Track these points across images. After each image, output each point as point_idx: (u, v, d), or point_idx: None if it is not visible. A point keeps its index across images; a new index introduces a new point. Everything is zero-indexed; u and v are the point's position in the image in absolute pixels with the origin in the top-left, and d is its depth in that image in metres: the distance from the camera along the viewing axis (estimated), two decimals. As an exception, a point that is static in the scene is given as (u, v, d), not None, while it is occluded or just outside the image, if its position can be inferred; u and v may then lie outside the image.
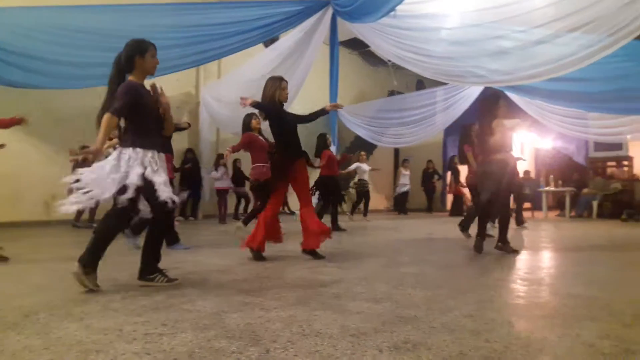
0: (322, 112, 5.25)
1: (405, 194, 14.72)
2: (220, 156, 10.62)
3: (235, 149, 6.62)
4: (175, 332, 2.30)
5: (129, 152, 3.31)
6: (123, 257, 4.64)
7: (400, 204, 15.02)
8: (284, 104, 5.05)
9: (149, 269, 3.47)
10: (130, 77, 3.47)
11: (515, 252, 5.41)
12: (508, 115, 5.64)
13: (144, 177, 3.27)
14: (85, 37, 6.96)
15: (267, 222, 4.89)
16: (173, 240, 5.72)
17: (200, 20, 7.58)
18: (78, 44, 7.02)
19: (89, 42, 7.00)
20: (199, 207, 11.60)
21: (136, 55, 3.45)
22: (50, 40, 6.98)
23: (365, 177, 11.45)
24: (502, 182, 5.38)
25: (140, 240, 4.37)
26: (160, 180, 3.35)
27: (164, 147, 3.72)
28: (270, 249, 5.47)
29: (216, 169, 10.61)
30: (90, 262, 3.29)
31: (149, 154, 3.36)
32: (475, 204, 7.38)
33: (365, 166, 11.42)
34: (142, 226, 5.12)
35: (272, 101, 4.94)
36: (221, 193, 10.69)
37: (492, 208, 5.70)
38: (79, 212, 8.45)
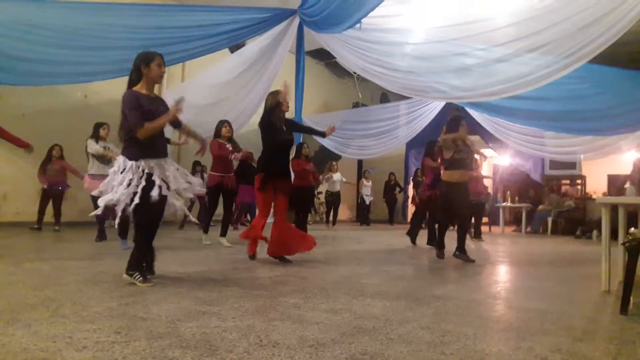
0: (319, 134, 6.04)
1: (367, 205, 14.86)
2: (196, 163, 10.42)
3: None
4: (128, 341, 2.23)
5: (132, 164, 3.57)
6: (74, 261, 4.50)
7: (362, 215, 15.14)
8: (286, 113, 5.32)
9: (133, 265, 3.68)
10: (136, 87, 3.69)
11: (472, 261, 5.75)
12: (467, 134, 6.00)
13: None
14: (44, 34, 6.74)
15: (257, 232, 5.24)
16: (124, 234, 5.82)
17: (164, 22, 7.46)
18: (38, 41, 6.79)
19: (48, 38, 6.80)
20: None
21: (142, 65, 3.68)
22: (9, 36, 6.72)
23: (336, 187, 11.55)
24: (455, 197, 5.82)
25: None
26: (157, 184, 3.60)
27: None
28: (231, 256, 5.41)
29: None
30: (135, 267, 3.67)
31: (151, 163, 3.61)
32: (432, 215, 7.66)
33: (336, 176, 11.51)
34: (126, 228, 5.69)
35: (271, 114, 5.16)
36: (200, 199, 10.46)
37: (450, 219, 6.08)
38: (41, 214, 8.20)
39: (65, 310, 2.77)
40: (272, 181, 5.16)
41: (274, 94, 5.25)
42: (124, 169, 3.58)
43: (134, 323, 2.54)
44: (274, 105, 5.16)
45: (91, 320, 2.56)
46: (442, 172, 6.11)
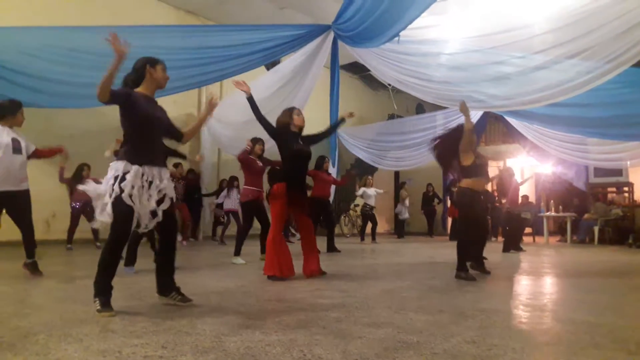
0: (337, 124, 5.81)
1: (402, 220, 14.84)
2: (234, 178, 10.46)
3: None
4: (175, 355, 2.28)
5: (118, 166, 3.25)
6: (119, 277, 4.61)
7: (400, 228, 15.02)
8: (303, 128, 5.29)
9: (167, 285, 3.50)
10: (138, 89, 3.44)
11: (473, 279, 5.20)
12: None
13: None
14: (88, 58, 7.00)
15: (274, 246, 5.00)
16: (131, 261, 5.52)
17: (203, 42, 7.66)
18: (81, 64, 7.07)
19: (92, 62, 7.04)
20: (200, 229, 11.57)
21: (147, 65, 3.45)
22: (54, 60, 7.04)
23: (371, 201, 11.58)
24: (471, 207, 5.44)
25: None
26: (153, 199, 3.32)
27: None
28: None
29: (227, 192, 10.43)
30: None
31: (141, 170, 3.26)
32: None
33: (370, 191, 11.56)
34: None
35: (281, 126, 5.19)
36: (228, 215, 10.63)
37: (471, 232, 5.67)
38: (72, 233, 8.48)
39: (114, 326, 2.85)
40: (289, 194, 5.05)
41: (286, 109, 5.34)
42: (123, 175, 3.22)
43: (179, 338, 2.59)
44: (285, 124, 5.20)
45: (139, 335, 2.63)
46: (462, 180, 5.60)
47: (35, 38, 7.03)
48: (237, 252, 6.62)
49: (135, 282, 4.69)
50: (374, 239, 11.70)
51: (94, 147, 8.94)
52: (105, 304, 3.17)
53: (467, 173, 5.47)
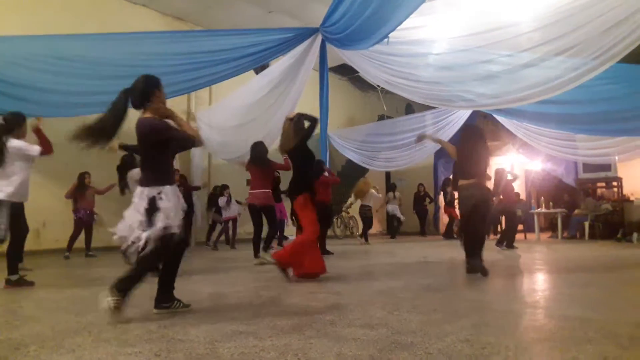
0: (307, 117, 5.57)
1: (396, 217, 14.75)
2: (224, 187, 10.58)
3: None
4: (168, 363, 2.26)
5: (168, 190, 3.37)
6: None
7: (392, 228, 15.02)
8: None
9: (167, 297, 3.50)
10: (146, 113, 3.45)
11: (486, 272, 5.32)
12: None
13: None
14: (77, 65, 6.96)
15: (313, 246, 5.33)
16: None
17: (191, 48, 7.62)
18: (70, 72, 7.02)
19: (81, 70, 7.02)
20: (192, 235, 11.51)
21: (155, 88, 3.46)
22: (43, 69, 6.96)
23: (371, 203, 11.66)
24: (472, 205, 5.53)
25: None
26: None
27: None
28: (262, 275, 5.43)
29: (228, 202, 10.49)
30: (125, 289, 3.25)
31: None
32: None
33: (377, 194, 11.71)
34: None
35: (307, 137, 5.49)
36: (227, 222, 10.65)
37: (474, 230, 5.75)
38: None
39: (107, 335, 2.83)
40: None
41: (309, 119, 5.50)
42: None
43: (173, 345, 2.58)
44: (309, 128, 5.43)
45: (132, 344, 2.61)
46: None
47: (22, 47, 6.96)
48: (266, 249, 7.06)
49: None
50: (366, 240, 11.71)
51: (91, 154, 8.95)
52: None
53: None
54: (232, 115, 10.27)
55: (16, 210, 4.83)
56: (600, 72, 6.21)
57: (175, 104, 10.97)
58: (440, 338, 2.67)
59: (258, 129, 9.49)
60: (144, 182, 3.41)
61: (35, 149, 4.98)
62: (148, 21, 11.17)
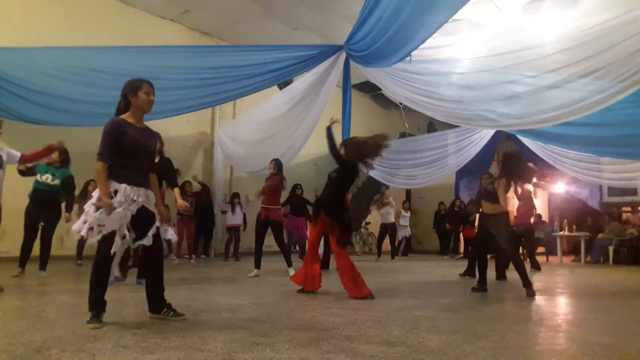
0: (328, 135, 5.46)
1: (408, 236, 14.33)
2: (235, 195, 10.77)
3: None
4: (186, 372, 2.28)
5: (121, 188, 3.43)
6: (131, 293, 4.64)
7: (404, 246, 14.57)
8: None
9: (156, 304, 3.59)
10: (125, 115, 3.60)
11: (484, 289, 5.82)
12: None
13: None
14: (104, 77, 7.14)
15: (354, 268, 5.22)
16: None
17: (217, 62, 7.78)
18: (97, 84, 7.21)
19: (108, 81, 7.18)
20: (212, 245, 11.62)
21: (129, 94, 3.59)
22: (72, 80, 7.19)
23: (390, 218, 11.66)
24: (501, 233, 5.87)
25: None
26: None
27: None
28: (279, 288, 5.44)
29: (232, 209, 10.70)
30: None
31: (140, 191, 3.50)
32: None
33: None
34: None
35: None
36: (231, 230, 10.73)
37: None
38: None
39: (126, 341, 2.87)
40: None
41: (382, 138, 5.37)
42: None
43: (191, 354, 2.60)
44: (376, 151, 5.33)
45: (151, 351, 2.64)
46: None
47: (55, 58, 7.21)
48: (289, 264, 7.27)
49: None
50: (392, 256, 11.73)
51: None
52: (95, 318, 3.34)
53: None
54: (254, 130, 10.40)
55: None
56: (625, 95, 6.14)
57: (199, 116, 11.19)
58: (459, 359, 2.64)
59: (280, 143, 9.59)
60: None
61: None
62: (176, 36, 11.45)
